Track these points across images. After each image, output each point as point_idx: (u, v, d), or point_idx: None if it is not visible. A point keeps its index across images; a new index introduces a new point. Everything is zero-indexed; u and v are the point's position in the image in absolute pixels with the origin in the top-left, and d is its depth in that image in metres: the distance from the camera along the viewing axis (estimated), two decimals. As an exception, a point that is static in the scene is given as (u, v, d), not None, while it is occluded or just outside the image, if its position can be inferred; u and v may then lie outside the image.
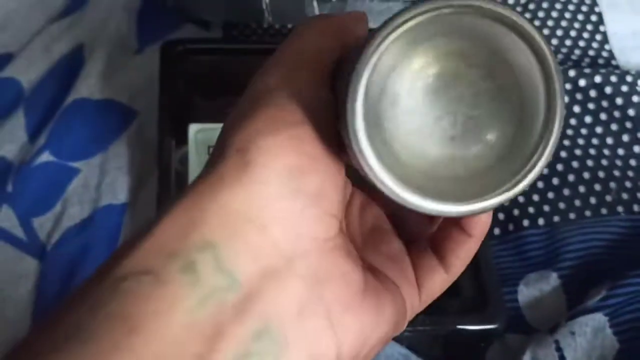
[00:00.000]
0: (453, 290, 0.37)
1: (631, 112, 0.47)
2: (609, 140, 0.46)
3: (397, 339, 0.39)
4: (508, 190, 0.16)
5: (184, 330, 0.14)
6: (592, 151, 0.46)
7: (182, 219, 0.15)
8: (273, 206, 0.16)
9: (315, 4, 0.47)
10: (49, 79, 0.50)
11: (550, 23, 0.53)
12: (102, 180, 0.46)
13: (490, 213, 0.20)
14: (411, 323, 0.36)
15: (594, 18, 0.53)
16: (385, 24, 0.14)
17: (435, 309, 0.36)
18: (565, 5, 0.54)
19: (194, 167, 0.42)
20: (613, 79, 0.47)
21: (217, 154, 0.17)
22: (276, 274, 0.16)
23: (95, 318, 0.14)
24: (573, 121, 0.47)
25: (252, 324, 0.15)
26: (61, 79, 0.51)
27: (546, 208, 0.44)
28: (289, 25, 0.49)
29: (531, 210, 0.44)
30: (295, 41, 0.20)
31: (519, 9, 0.54)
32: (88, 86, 0.50)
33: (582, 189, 0.45)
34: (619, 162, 0.46)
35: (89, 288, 0.15)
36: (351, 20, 0.21)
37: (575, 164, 0.46)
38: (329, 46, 0.20)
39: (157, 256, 0.15)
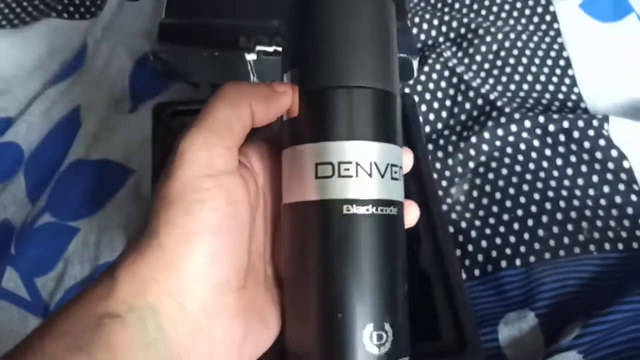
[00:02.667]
0: (433, 334, 0.40)
1: (598, 154, 0.49)
2: (580, 182, 0.49)
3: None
4: None
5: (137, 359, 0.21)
6: (564, 192, 0.49)
7: (133, 283, 0.22)
8: (192, 289, 0.22)
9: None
10: (48, 142, 0.53)
11: (520, 69, 0.56)
12: (101, 238, 0.48)
13: None
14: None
15: (562, 62, 0.57)
16: None
17: (416, 353, 0.39)
18: (534, 51, 0.57)
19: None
20: (580, 123, 0.50)
21: (152, 229, 0.22)
22: (193, 334, 0.22)
23: (87, 341, 0.20)
24: (545, 164, 0.50)
25: None
26: (59, 141, 0.53)
27: (522, 249, 0.46)
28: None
29: (508, 251, 0.47)
30: (207, 111, 0.24)
31: (491, 56, 0.57)
32: (85, 147, 0.52)
33: (555, 229, 0.47)
34: (590, 202, 0.48)
35: (72, 320, 0.21)
36: (262, 92, 0.25)
37: (548, 205, 0.48)
38: (236, 116, 0.24)
39: (122, 307, 0.21)
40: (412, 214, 0.28)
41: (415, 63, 0.51)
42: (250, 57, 0.49)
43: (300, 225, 0.25)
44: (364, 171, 0.24)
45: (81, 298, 0.21)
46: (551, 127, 0.50)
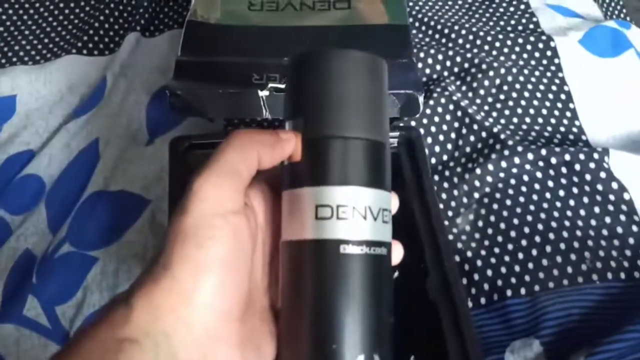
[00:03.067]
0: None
1: (599, 186, 0.51)
2: (582, 212, 0.51)
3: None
4: None
5: None
6: (566, 223, 0.50)
7: (149, 311, 0.24)
8: (200, 317, 0.25)
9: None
10: (68, 174, 0.55)
11: (523, 103, 0.58)
12: (120, 267, 0.50)
13: None
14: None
15: (563, 96, 0.59)
16: None
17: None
18: (536, 85, 0.59)
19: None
20: (581, 156, 0.52)
21: (167, 261, 0.25)
22: (200, 358, 0.24)
23: None
24: (547, 195, 0.52)
25: None
26: (79, 173, 0.55)
27: (527, 278, 0.48)
28: (280, 117, 0.54)
29: (513, 280, 0.48)
30: (219, 156, 0.27)
31: (493, 90, 0.59)
32: (104, 179, 0.54)
33: (559, 259, 0.48)
34: (592, 233, 0.49)
35: (95, 343, 0.23)
36: (268, 139, 0.28)
37: (551, 235, 0.49)
38: (245, 161, 0.27)
39: (139, 332, 0.23)
40: (397, 253, 0.30)
41: (420, 99, 0.53)
42: (263, 93, 0.52)
43: (299, 261, 0.27)
44: (360, 214, 0.27)
45: (101, 323, 0.24)
46: (553, 160, 0.52)
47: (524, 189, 0.52)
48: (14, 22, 0.70)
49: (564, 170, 0.52)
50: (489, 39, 0.63)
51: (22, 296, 0.48)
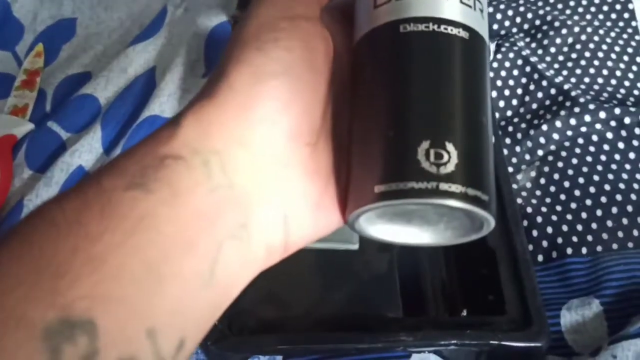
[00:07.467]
0: (499, 310, 0.39)
1: (674, 149, 0.48)
2: (653, 176, 0.48)
3: (439, 352, 0.40)
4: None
5: (201, 203, 0.20)
6: (635, 185, 0.48)
7: (199, 127, 0.20)
8: (262, 135, 0.21)
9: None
10: (124, 98, 0.55)
11: (596, 63, 0.55)
12: (169, 191, 0.49)
13: None
14: (459, 337, 0.38)
15: (639, 60, 0.56)
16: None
17: (483, 326, 0.38)
18: (611, 46, 0.57)
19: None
20: (658, 118, 0.49)
21: (223, 70, 0.21)
22: (263, 185, 0.21)
23: (149, 179, 0.19)
24: (617, 156, 0.49)
25: (237, 216, 0.20)
26: (135, 98, 0.55)
27: (589, 238, 0.46)
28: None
29: (574, 239, 0.46)
30: None
31: (565, 49, 0.57)
32: (160, 104, 0.54)
33: (625, 221, 0.46)
34: (662, 197, 0.47)
35: (133, 159, 0.20)
36: None
37: (618, 197, 0.47)
38: None
39: (186, 149, 0.20)
40: None
41: (492, 46, 0.51)
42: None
43: (360, 57, 0.23)
44: None
45: (144, 142, 0.20)
46: (627, 120, 0.50)
47: (592, 148, 0.50)
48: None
49: (637, 131, 0.50)
50: (563, -3, 0.60)
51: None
